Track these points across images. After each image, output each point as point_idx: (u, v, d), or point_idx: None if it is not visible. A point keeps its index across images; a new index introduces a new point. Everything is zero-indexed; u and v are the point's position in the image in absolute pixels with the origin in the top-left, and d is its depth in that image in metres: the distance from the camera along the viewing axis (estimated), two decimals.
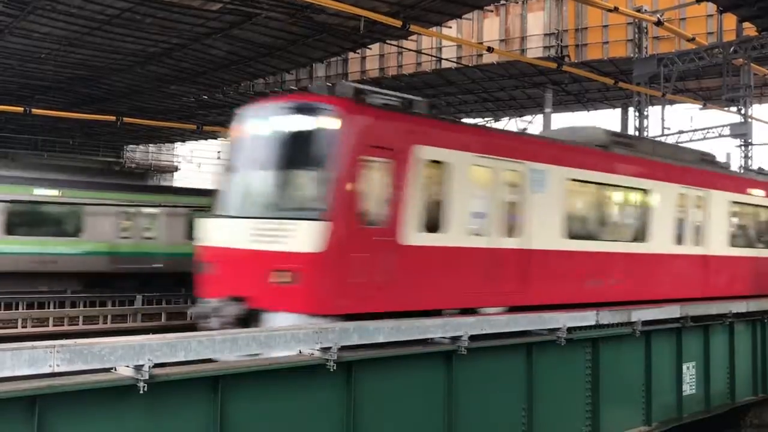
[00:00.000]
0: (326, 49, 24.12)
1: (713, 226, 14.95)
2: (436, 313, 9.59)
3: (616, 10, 21.13)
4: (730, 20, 23.05)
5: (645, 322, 11.47)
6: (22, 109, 26.50)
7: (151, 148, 50.03)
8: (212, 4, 19.23)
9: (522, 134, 16.57)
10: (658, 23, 22.81)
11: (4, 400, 5.44)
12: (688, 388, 12.62)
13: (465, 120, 33.20)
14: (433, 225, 9.85)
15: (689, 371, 12.65)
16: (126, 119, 29.33)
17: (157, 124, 33.04)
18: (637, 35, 25.50)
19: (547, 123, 23.30)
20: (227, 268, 9.51)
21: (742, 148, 25.32)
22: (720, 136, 25.18)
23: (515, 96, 32.52)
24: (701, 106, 27.59)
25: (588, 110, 35.06)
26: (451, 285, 10.04)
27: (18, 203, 23.54)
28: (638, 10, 23.50)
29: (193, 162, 48.24)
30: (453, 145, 10.16)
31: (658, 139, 25.35)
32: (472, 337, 8.76)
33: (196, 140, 46.35)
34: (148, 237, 25.96)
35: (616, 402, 11.08)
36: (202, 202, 19.72)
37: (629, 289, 12.84)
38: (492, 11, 27.82)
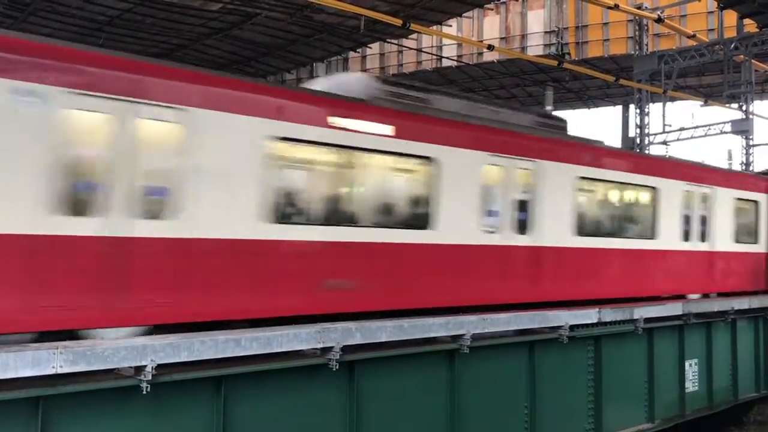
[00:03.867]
0: (326, 48, 24.11)
1: (547, 208, 11.26)
2: None
3: (616, 7, 21.12)
4: (730, 17, 23.00)
5: (647, 320, 11.47)
6: None
7: None
8: (212, 4, 19.23)
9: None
10: (659, 20, 22.79)
11: (8, 401, 5.46)
12: (691, 385, 12.61)
13: None
14: None
15: (692, 368, 12.64)
16: None
17: None
18: (637, 32, 25.48)
19: None
20: None
21: (744, 144, 25.33)
22: (721, 132, 25.16)
23: (516, 94, 32.49)
24: (702, 103, 27.58)
25: (589, 107, 35.06)
26: None
27: None
28: (639, 8, 23.49)
29: None
30: None
31: (659, 136, 25.40)
32: (475, 336, 8.77)
33: None
34: None
35: (619, 399, 11.07)
36: None
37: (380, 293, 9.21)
38: (492, 9, 27.82)
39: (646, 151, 24.49)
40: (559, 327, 9.96)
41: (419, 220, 9.86)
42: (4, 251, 6.41)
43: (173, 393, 6.35)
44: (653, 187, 13.54)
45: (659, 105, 25.56)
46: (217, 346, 6.54)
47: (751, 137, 25.13)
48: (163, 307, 7.33)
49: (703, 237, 14.71)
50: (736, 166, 28.26)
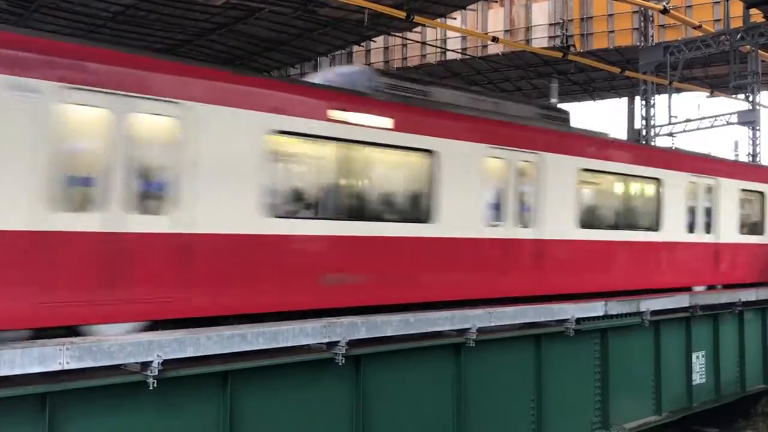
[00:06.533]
0: (330, 42, 24.05)
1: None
2: None
3: None
4: (737, 7, 22.87)
5: (654, 312, 11.44)
6: None
7: None
8: (216, 0, 19.21)
9: None
10: (664, 11, 22.65)
11: (16, 397, 5.48)
12: (698, 377, 12.59)
13: None
14: None
15: (699, 360, 12.61)
16: None
17: None
18: (642, 24, 25.36)
19: None
20: None
21: (750, 135, 25.21)
22: (728, 123, 25.06)
23: (521, 86, 32.39)
24: (708, 94, 27.44)
25: (594, 100, 34.93)
26: None
27: None
28: None
29: None
30: None
31: (665, 127, 25.28)
32: (481, 330, 8.76)
33: None
34: None
35: (626, 392, 11.06)
36: None
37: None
38: (496, 2, 27.73)
39: (652, 143, 24.40)
40: (565, 320, 9.95)
41: None
42: None
43: (180, 389, 6.36)
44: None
45: (665, 96, 25.46)
46: (223, 341, 6.55)
47: (757, 128, 25.01)
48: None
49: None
50: (743, 158, 28.11)
